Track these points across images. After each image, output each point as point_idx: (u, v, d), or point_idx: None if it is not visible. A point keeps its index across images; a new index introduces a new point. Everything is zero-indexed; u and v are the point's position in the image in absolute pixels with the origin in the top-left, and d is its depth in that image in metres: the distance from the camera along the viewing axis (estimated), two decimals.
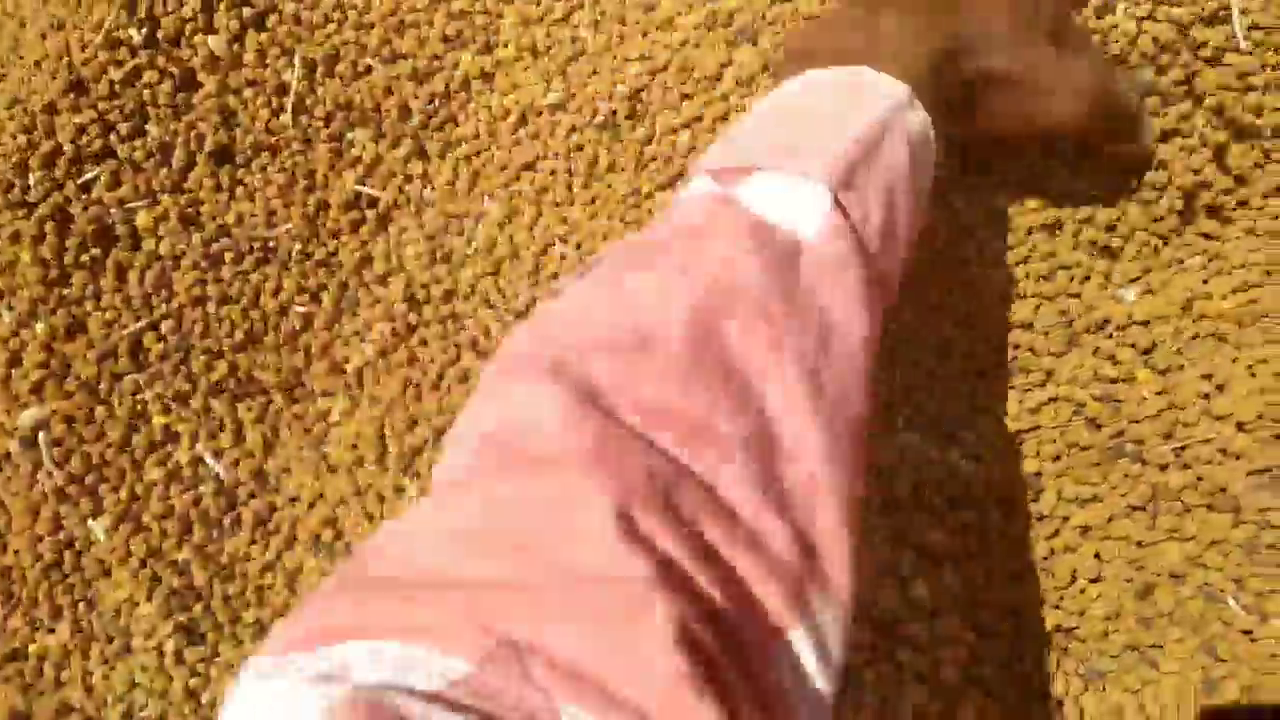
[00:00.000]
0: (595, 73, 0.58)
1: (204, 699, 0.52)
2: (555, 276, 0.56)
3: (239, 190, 0.60)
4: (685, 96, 0.57)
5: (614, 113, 0.57)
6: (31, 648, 0.55)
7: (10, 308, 0.58)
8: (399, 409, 0.58)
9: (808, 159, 0.37)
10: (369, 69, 0.61)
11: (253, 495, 0.57)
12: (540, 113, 0.58)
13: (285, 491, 0.58)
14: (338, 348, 0.60)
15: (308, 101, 0.61)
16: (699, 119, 0.56)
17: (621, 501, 0.29)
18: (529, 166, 0.58)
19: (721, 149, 0.41)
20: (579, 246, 0.56)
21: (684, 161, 0.55)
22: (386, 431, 0.58)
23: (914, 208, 0.40)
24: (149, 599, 0.54)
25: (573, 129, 0.57)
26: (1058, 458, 0.53)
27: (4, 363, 0.57)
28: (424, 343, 0.59)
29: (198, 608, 0.54)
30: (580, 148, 0.57)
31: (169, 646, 0.53)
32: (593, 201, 0.57)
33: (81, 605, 0.55)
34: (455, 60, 0.61)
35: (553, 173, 0.58)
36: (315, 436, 0.59)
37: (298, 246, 0.60)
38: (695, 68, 0.56)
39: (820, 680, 0.31)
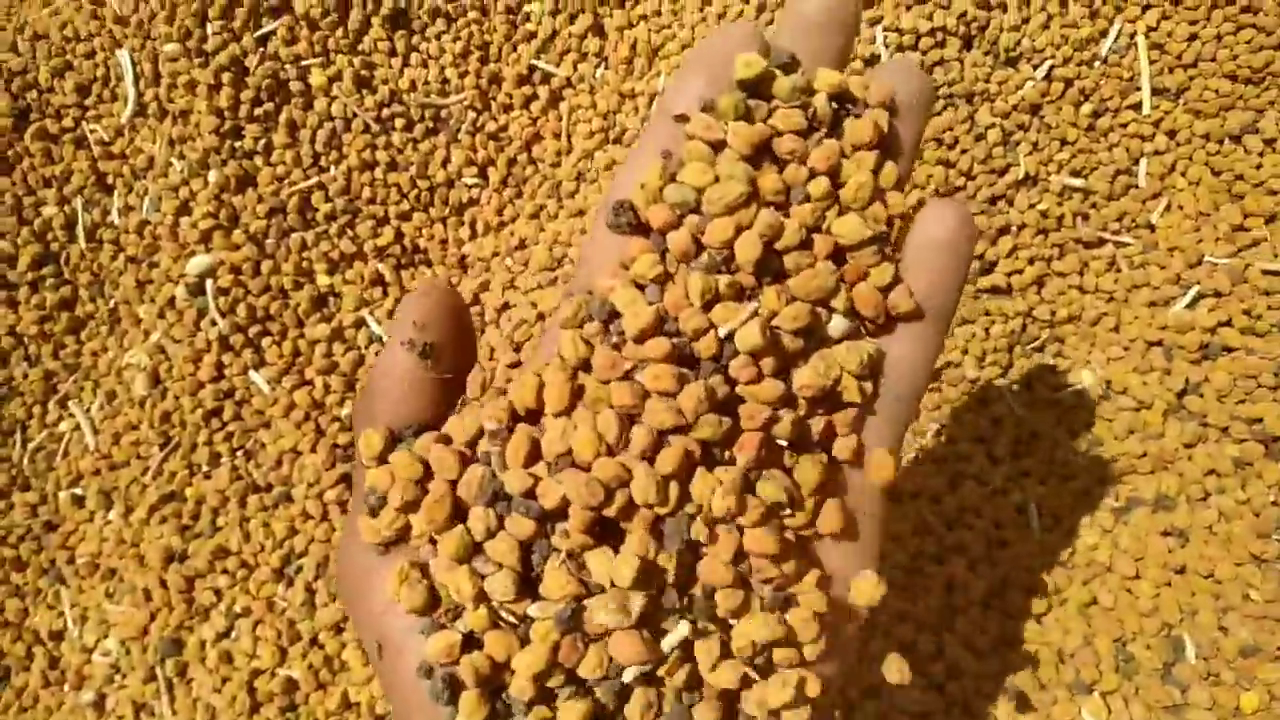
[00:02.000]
0: None
1: None
2: None
3: (413, 56, 0.59)
4: None
5: None
6: (189, 491, 0.53)
7: (182, 156, 0.57)
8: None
9: None
10: None
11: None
12: None
13: None
14: (506, 224, 0.59)
15: None
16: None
17: None
18: None
19: None
20: None
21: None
22: (547, 314, 0.57)
23: None
24: (313, 450, 0.53)
25: (762, 7, 0.56)
26: None
27: (174, 210, 0.56)
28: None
29: None
30: (769, 25, 0.56)
31: (331, 496, 0.52)
32: None
33: (240, 454, 0.54)
34: None
35: None
36: (475, 314, 0.58)
37: (470, 118, 0.59)
38: None
39: None
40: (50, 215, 0.57)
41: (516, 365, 0.53)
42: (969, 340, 0.57)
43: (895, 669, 0.26)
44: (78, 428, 0.56)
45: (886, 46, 0.57)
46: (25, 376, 0.56)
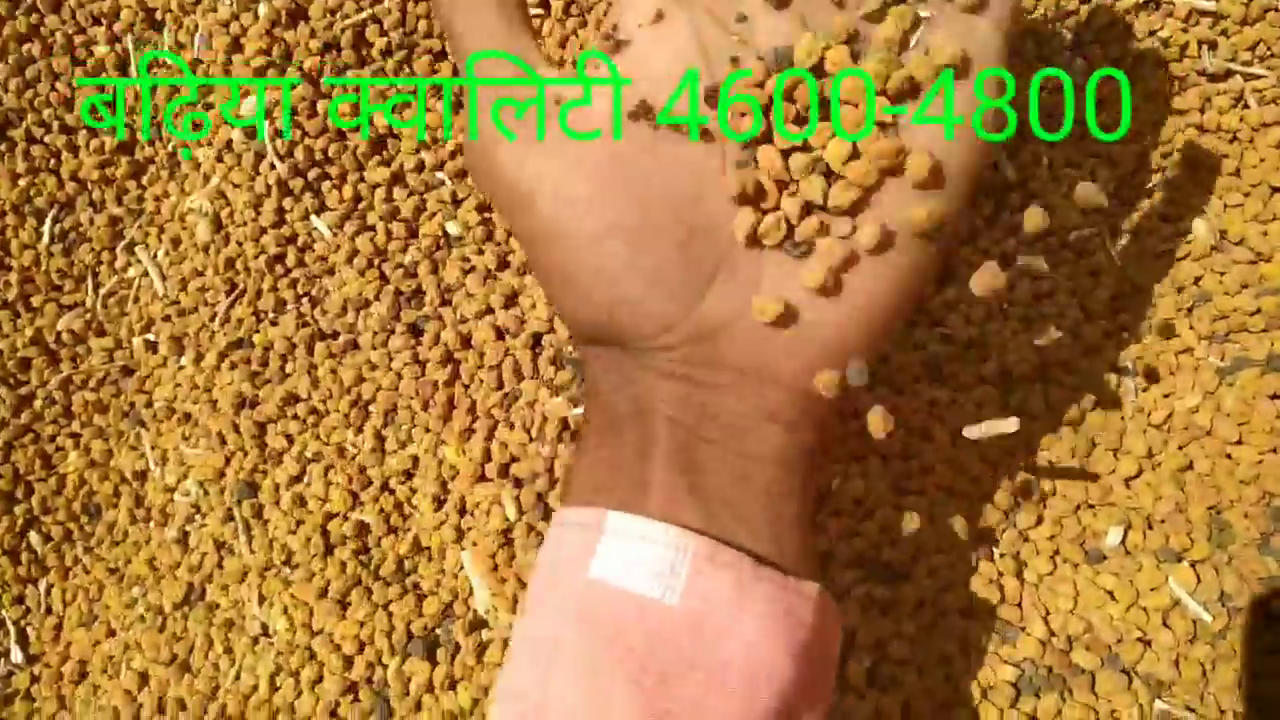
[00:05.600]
0: None
1: (435, 397, 0.51)
2: None
3: None
4: None
5: None
6: (256, 337, 0.53)
7: None
8: None
9: None
10: None
11: (482, 210, 0.54)
12: None
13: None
14: (570, 60, 0.55)
15: None
16: None
17: None
18: None
19: None
20: None
21: None
22: None
23: None
24: (377, 298, 0.52)
25: None
26: None
27: (225, 48, 0.54)
28: None
29: (428, 308, 0.52)
30: None
31: (397, 343, 0.51)
32: None
33: (306, 300, 0.54)
34: None
35: None
36: None
37: None
38: None
39: None
40: (102, 55, 0.55)
41: None
42: (1072, 184, 0.52)
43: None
44: (146, 274, 0.56)
45: None
46: (92, 222, 0.56)
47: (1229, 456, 0.45)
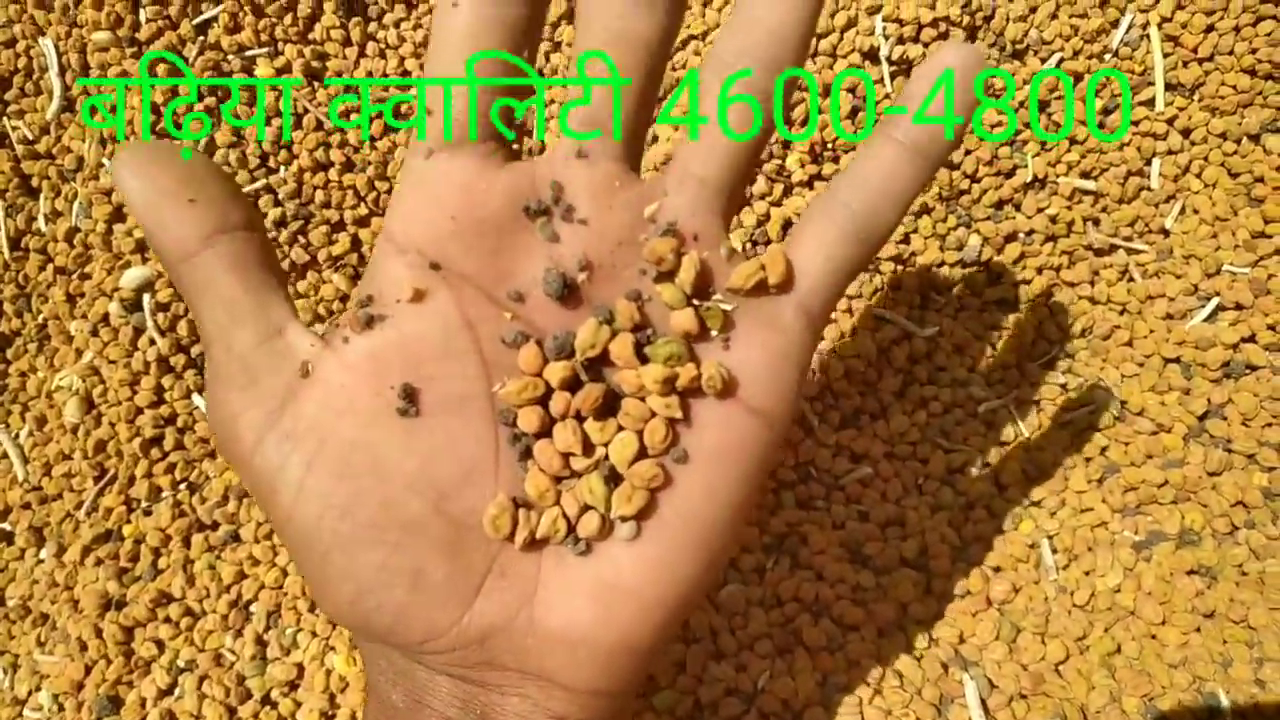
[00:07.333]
0: None
1: None
2: None
3: (370, 46, 0.53)
4: None
5: None
6: (126, 529, 0.47)
7: (113, 155, 0.50)
8: None
9: None
10: None
11: None
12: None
13: None
14: None
15: None
16: None
17: None
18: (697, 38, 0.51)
19: None
20: None
21: None
22: None
23: None
24: None
25: None
26: None
27: (106, 216, 0.50)
28: None
29: None
30: None
31: None
32: None
33: (183, 488, 0.48)
34: None
35: None
36: None
37: None
38: None
39: None
40: None
41: None
42: (975, 357, 0.52)
43: None
44: (5, 456, 0.50)
45: (886, 38, 0.52)
46: None
47: (1154, 637, 0.43)
